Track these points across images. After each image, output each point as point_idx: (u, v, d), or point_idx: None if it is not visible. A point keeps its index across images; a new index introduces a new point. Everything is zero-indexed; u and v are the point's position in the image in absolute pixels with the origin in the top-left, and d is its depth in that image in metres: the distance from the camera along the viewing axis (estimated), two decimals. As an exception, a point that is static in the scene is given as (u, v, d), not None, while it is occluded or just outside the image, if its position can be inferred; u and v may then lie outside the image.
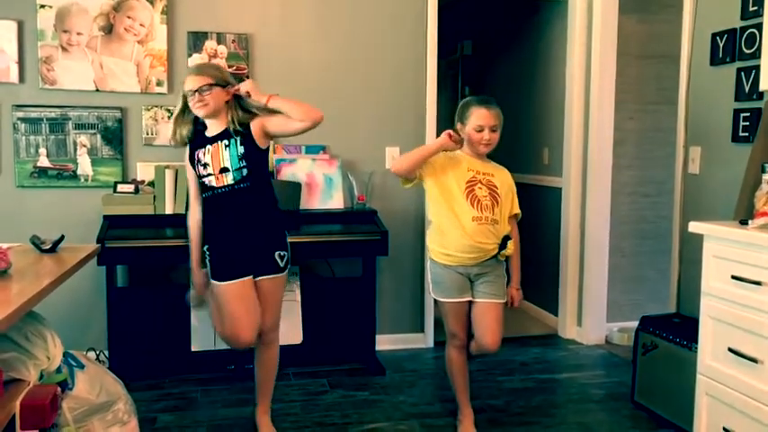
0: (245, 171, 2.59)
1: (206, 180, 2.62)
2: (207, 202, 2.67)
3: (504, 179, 2.78)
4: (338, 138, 3.86)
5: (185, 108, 2.62)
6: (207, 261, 2.69)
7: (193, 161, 2.66)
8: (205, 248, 2.70)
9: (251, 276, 2.65)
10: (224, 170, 2.58)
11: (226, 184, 2.59)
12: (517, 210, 2.82)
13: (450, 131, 2.63)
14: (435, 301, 2.85)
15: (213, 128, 2.63)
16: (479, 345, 2.77)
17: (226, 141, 2.58)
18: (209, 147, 2.61)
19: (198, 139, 2.66)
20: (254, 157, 2.61)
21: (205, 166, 2.61)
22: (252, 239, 2.64)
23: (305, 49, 3.80)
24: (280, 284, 2.72)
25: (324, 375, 3.56)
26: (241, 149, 2.58)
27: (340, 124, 3.85)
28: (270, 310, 2.71)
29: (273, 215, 2.71)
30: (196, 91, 2.54)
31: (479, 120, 2.65)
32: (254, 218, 2.64)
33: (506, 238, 2.71)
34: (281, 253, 2.68)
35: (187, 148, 2.69)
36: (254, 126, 2.60)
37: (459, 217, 2.63)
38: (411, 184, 2.75)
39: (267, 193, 2.69)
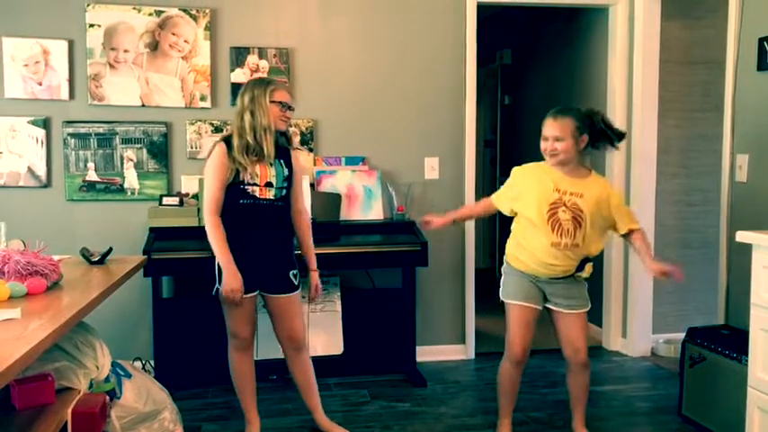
0: (284, 191, 2.74)
1: (249, 188, 2.66)
2: (242, 210, 2.67)
3: (596, 195, 2.62)
4: (377, 149, 3.88)
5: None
6: (218, 266, 2.69)
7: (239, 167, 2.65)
8: None
9: (257, 292, 2.77)
10: (269, 185, 2.69)
11: (267, 197, 2.69)
12: (633, 225, 2.66)
13: None
14: (502, 304, 2.78)
15: None
16: (566, 354, 2.75)
17: (270, 160, 2.69)
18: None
19: None
20: (291, 180, 2.77)
21: (252, 175, 2.66)
22: (272, 254, 2.74)
23: (345, 61, 3.84)
24: (296, 299, 2.82)
25: (364, 386, 3.56)
26: (285, 171, 2.74)
27: (379, 135, 3.87)
28: (295, 320, 2.83)
29: (291, 234, 2.84)
30: (289, 107, 2.71)
31: (544, 129, 2.69)
32: (279, 234, 2.76)
33: (585, 260, 2.67)
34: (294, 272, 2.79)
35: (224, 149, 2.64)
36: (295, 160, 2.80)
37: (539, 239, 2.61)
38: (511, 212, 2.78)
39: (290, 214, 2.83)
